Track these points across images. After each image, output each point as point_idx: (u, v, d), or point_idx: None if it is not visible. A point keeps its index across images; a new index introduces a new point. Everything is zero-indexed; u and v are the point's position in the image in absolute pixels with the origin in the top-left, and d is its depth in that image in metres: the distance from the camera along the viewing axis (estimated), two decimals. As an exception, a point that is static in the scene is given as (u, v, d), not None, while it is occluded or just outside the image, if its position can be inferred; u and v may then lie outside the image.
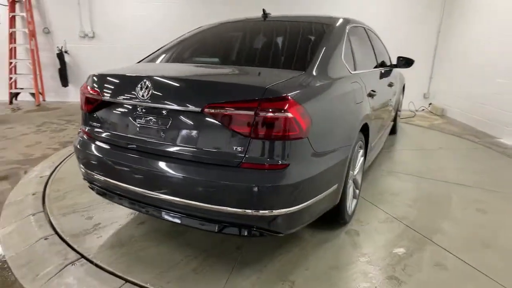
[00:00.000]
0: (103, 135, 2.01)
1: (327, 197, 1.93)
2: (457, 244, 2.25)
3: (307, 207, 1.75)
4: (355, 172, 2.46)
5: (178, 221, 1.83)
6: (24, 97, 7.15)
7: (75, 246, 2.15)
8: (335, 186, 1.97)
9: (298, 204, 1.69)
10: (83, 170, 2.13)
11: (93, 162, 2.01)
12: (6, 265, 2.02)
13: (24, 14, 6.76)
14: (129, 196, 1.93)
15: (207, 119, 1.65)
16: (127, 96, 1.84)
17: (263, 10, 2.76)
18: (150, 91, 1.74)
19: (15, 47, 6.94)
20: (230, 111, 1.59)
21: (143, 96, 1.76)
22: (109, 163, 1.92)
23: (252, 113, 1.55)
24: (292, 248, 2.16)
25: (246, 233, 1.72)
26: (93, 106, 2.05)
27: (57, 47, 6.99)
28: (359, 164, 2.53)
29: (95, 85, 2.03)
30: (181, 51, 2.53)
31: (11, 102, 6.97)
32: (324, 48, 2.12)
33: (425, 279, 1.90)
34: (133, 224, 2.42)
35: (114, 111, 1.97)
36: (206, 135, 1.68)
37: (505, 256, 2.14)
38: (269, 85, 1.60)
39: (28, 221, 2.46)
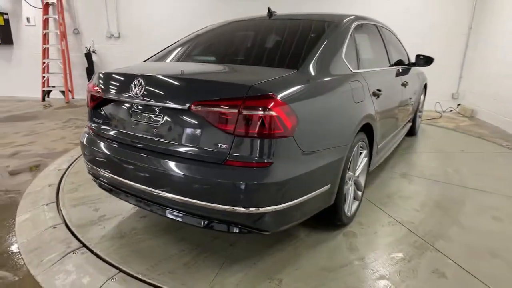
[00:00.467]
0: (104, 131, 2.11)
1: (318, 197, 1.91)
2: (461, 252, 2.14)
3: (294, 206, 1.74)
4: (356, 174, 2.41)
5: (166, 214, 1.88)
6: (55, 94, 7.56)
7: (79, 236, 2.27)
8: (327, 187, 1.94)
9: (284, 203, 1.68)
10: (87, 165, 2.24)
11: (95, 157, 2.11)
12: (18, 250, 2.17)
13: (56, 16, 7.15)
14: (125, 190, 2.01)
15: (194, 116, 1.69)
16: (124, 94, 1.92)
17: (268, 8, 2.76)
18: (143, 89, 1.80)
19: (48, 48, 7.36)
20: (215, 108, 1.61)
21: (136, 94, 1.83)
22: (108, 158, 2.01)
23: (236, 111, 1.57)
24: (285, 247, 2.16)
25: (233, 230, 1.74)
26: (96, 103, 2.15)
27: (85, 47, 7.34)
28: (361, 166, 2.48)
29: (98, 83, 2.12)
30: (183, 49, 2.59)
31: (43, 100, 7.41)
32: (322, 46, 2.10)
33: (419, 286, 1.84)
34: (136, 217, 2.51)
35: (114, 108, 2.06)
36: (193, 132, 1.71)
37: (512, 267, 2.02)
38: (254, 83, 1.61)
39: (42, 210, 2.62)
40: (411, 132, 4.68)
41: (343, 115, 2.07)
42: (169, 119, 1.78)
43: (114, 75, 2.04)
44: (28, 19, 7.47)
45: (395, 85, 3.16)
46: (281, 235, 2.26)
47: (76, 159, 3.70)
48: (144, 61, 2.62)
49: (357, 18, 2.67)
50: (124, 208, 2.61)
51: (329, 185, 1.96)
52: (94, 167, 2.14)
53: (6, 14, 7.43)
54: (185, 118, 1.72)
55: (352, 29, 2.47)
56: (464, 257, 2.09)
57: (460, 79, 6.98)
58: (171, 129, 1.78)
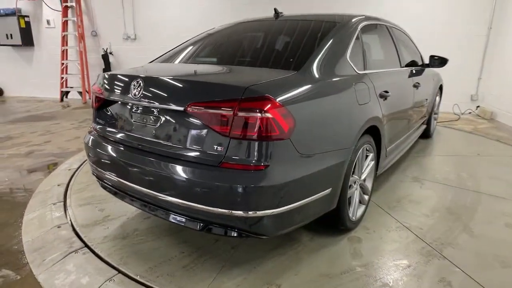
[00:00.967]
0: (106, 132, 2.12)
1: (319, 201, 1.86)
2: (470, 261, 2.05)
3: (292, 210, 1.70)
4: (362, 177, 2.35)
5: (162, 216, 1.87)
6: (73, 95, 7.76)
7: (82, 236, 2.29)
8: (328, 190, 1.89)
9: (282, 207, 1.65)
10: (91, 166, 2.26)
11: (97, 158, 2.13)
12: (22, 249, 2.21)
13: (75, 18, 7.34)
14: (125, 191, 2.02)
15: (190, 118, 1.68)
16: (124, 95, 1.93)
17: (275, 9, 2.73)
18: (141, 90, 1.81)
19: (66, 49, 7.56)
20: (210, 110, 1.59)
21: (135, 95, 1.83)
22: (108, 159, 2.02)
23: (231, 112, 1.55)
24: (286, 251, 2.12)
25: (231, 234, 1.72)
26: (99, 104, 2.17)
27: (103, 48, 7.50)
28: (367, 169, 2.41)
29: (101, 84, 2.15)
30: (188, 51, 2.59)
31: (62, 100, 7.61)
32: (325, 47, 2.05)
33: (423, 295, 1.77)
34: (140, 218, 2.52)
35: (116, 110, 2.08)
36: (190, 134, 1.70)
37: (525, 278, 1.91)
38: (251, 85, 1.58)
39: (49, 209, 2.67)
40: (426, 135, 4.54)
41: (346, 117, 2.02)
42: (167, 121, 1.78)
43: (116, 77, 2.06)
44: (48, 22, 7.71)
45: (405, 86, 3.07)
46: (283, 239, 2.23)
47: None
48: (150, 62, 2.63)
49: (366, 18, 2.61)
50: (129, 209, 2.63)
51: (331, 189, 1.91)
52: (97, 168, 2.16)
53: (28, 16, 7.69)
54: (182, 119, 1.72)
55: (359, 29, 2.41)
56: (472, 266, 1.99)
57: (479, 81, 6.74)
58: (168, 130, 1.78)
